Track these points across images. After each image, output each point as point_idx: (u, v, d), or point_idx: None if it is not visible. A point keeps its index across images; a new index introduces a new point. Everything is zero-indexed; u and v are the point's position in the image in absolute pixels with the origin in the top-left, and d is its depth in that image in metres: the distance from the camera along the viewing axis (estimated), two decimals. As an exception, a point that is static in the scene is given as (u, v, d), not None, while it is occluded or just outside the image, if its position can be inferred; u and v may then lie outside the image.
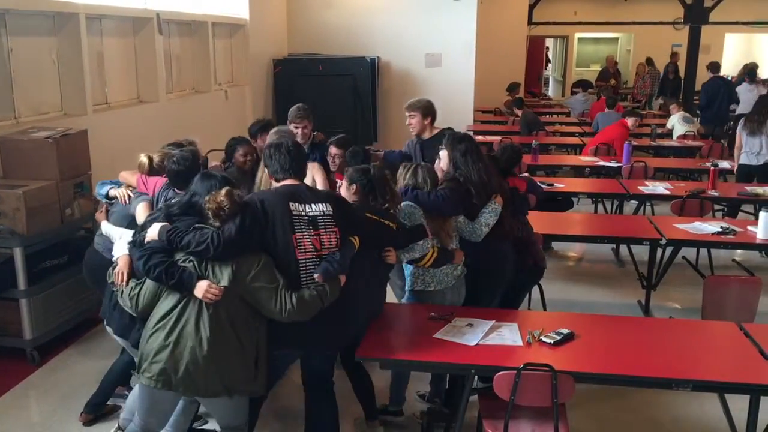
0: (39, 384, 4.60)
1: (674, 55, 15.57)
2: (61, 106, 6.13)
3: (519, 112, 11.01)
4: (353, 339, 3.46)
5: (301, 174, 3.36)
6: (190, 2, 8.54)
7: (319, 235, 3.16)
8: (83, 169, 5.20)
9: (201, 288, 2.96)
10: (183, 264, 3.03)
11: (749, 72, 12.01)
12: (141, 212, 3.74)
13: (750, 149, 7.53)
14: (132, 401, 3.62)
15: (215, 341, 2.97)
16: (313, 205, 3.18)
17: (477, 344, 3.36)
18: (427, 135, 5.25)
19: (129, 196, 4.00)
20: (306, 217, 3.15)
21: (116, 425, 3.86)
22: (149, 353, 3.04)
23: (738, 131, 7.71)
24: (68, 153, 5.00)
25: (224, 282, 2.99)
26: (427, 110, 5.20)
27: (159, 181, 3.92)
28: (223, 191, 3.07)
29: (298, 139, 5.15)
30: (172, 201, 3.44)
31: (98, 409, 4.05)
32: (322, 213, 3.19)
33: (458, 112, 11.19)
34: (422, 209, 3.79)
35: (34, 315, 4.74)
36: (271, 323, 3.13)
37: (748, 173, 7.64)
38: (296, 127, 5.15)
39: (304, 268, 3.12)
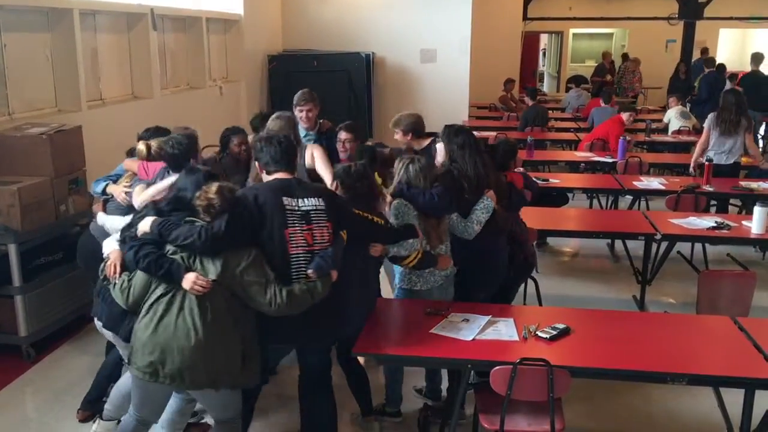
0: (34, 381, 4.59)
1: (705, 51, 15.39)
2: (55, 102, 6.10)
3: (530, 103, 10.99)
4: (348, 334, 3.46)
5: (291, 167, 3.34)
6: (185, -2, 8.52)
7: (312, 230, 3.15)
8: (78, 165, 5.19)
9: (189, 280, 2.97)
10: (172, 256, 3.04)
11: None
12: (137, 194, 3.78)
13: (719, 149, 7.14)
14: (116, 393, 3.66)
15: (202, 334, 2.97)
16: (305, 200, 3.18)
17: (473, 339, 3.37)
18: (416, 147, 5.21)
19: (126, 192, 4.02)
20: (299, 212, 3.15)
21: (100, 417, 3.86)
22: (138, 345, 3.06)
23: (707, 129, 7.21)
24: (62, 149, 4.98)
25: (212, 275, 3.00)
26: (408, 127, 5.11)
27: (158, 166, 3.99)
28: (214, 188, 3.08)
29: (302, 123, 5.19)
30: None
31: (95, 405, 4.03)
32: (314, 207, 3.18)
33: (453, 107, 11.19)
34: (416, 208, 3.78)
35: (29, 312, 4.72)
36: (262, 318, 3.13)
37: (721, 172, 7.18)
38: (300, 110, 5.18)
39: (295, 262, 3.12)
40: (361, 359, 3.86)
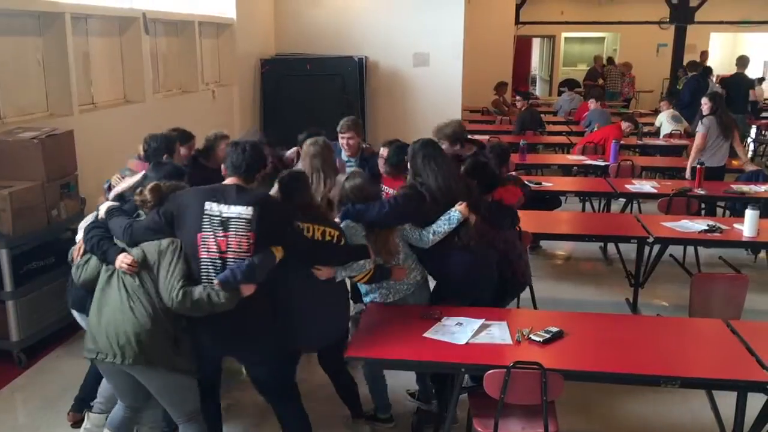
0: (26, 386, 4.57)
1: (703, 54, 15.28)
2: (46, 107, 6.08)
3: (521, 105, 10.96)
4: (316, 348, 3.61)
5: (247, 175, 3.34)
6: (177, 2, 8.50)
7: (227, 237, 3.15)
8: (69, 170, 5.17)
9: (118, 259, 3.16)
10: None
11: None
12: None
13: (717, 151, 7.27)
14: (104, 386, 3.75)
15: (134, 313, 3.09)
16: (231, 207, 3.18)
17: (466, 343, 3.37)
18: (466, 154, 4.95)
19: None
20: (219, 218, 3.17)
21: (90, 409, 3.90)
22: (87, 327, 3.26)
23: (705, 132, 7.23)
24: (54, 153, 4.96)
25: (135, 255, 3.15)
26: (453, 136, 4.84)
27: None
28: (149, 187, 3.29)
29: (344, 150, 5.17)
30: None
31: (84, 405, 4.03)
32: (238, 216, 3.17)
33: (446, 111, 11.15)
34: (364, 224, 3.73)
35: (20, 317, 4.71)
36: (192, 323, 3.19)
37: (714, 175, 7.29)
38: (342, 138, 5.18)
39: (204, 267, 3.16)
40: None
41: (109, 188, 4.22)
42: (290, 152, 5.30)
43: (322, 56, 10.87)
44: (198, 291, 3.08)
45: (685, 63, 14.24)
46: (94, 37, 6.79)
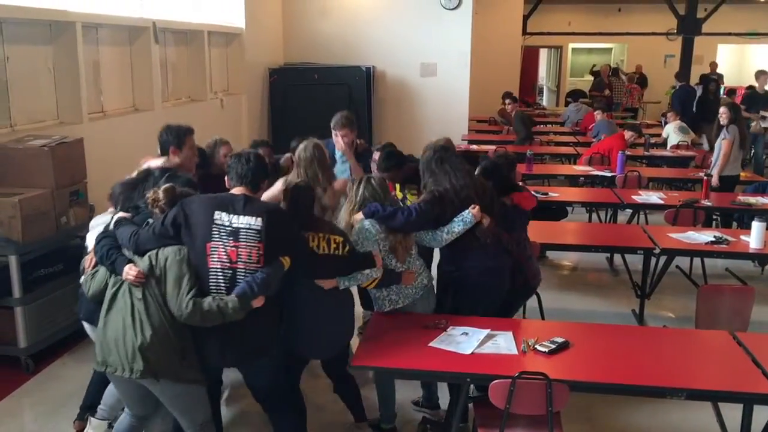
0: (33, 392, 4.59)
1: (713, 65, 15.24)
2: (56, 115, 6.13)
3: (511, 108, 10.89)
4: (322, 356, 3.61)
5: (253, 185, 3.36)
6: (186, 11, 8.57)
7: (238, 248, 3.16)
8: (79, 178, 5.20)
9: (125, 271, 3.13)
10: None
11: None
12: None
13: (736, 160, 7.44)
14: (109, 393, 3.77)
15: (140, 325, 3.07)
16: (241, 218, 3.18)
17: (472, 353, 3.37)
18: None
19: None
20: (229, 228, 3.16)
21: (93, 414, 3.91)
22: (96, 338, 3.24)
23: (732, 140, 7.37)
24: (64, 161, 5.00)
25: (142, 267, 3.13)
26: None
27: None
28: (164, 187, 3.28)
29: (338, 147, 5.16)
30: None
31: (89, 413, 4.04)
32: (248, 226, 3.18)
33: (453, 121, 11.23)
34: (385, 227, 3.76)
35: (28, 323, 4.73)
36: (197, 334, 3.18)
37: (734, 182, 7.58)
38: (335, 135, 5.15)
39: (214, 277, 3.15)
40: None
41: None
42: (284, 159, 5.25)
43: (330, 66, 10.93)
44: (208, 302, 3.08)
45: (696, 74, 14.27)
46: (104, 46, 6.85)
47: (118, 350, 3.08)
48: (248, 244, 3.16)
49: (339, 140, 5.16)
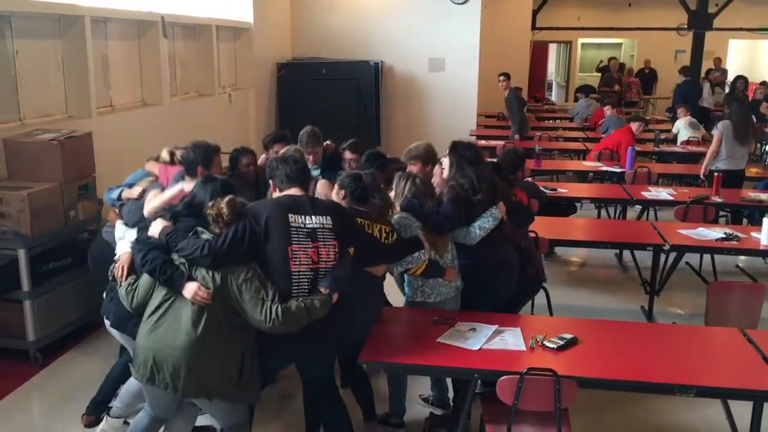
0: (42, 386, 4.61)
1: (716, 61, 15.17)
2: (65, 109, 6.14)
3: (505, 85, 10.73)
4: (351, 346, 3.47)
5: (305, 184, 3.37)
6: (195, 6, 8.56)
7: (317, 248, 3.15)
8: (87, 171, 5.22)
9: (190, 289, 3.00)
10: (177, 264, 3.08)
11: None
12: (150, 198, 3.81)
13: (734, 155, 7.28)
14: (125, 392, 3.74)
15: (197, 343, 3.00)
16: (313, 217, 3.17)
17: (480, 349, 3.36)
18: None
19: (143, 190, 4.06)
20: (305, 229, 3.14)
21: (108, 412, 3.91)
22: (138, 350, 3.13)
23: (719, 135, 7.27)
24: (72, 155, 5.01)
25: (212, 286, 3.01)
26: (428, 158, 4.52)
27: (175, 170, 4.10)
28: (226, 200, 3.11)
29: (309, 163, 5.07)
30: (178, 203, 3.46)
31: (99, 409, 4.05)
32: (321, 226, 3.17)
33: (461, 116, 11.21)
34: (424, 225, 3.81)
35: (37, 316, 4.75)
36: (263, 334, 3.12)
37: (734, 178, 7.40)
38: (306, 153, 5.09)
39: (296, 280, 3.11)
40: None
41: (119, 199, 4.21)
42: (261, 159, 5.14)
43: (338, 61, 10.91)
44: (294, 305, 3.03)
45: (704, 69, 14.17)
46: (113, 41, 6.86)
47: (171, 369, 3.00)
48: (326, 243, 3.16)
49: (310, 158, 5.09)
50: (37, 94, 5.80)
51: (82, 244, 5.06)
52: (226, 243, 3.01)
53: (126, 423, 3.80)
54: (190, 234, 3.09)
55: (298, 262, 3.11)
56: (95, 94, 6.23)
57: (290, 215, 3.14)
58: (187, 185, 3.65)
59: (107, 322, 3.66)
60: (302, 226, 3.14)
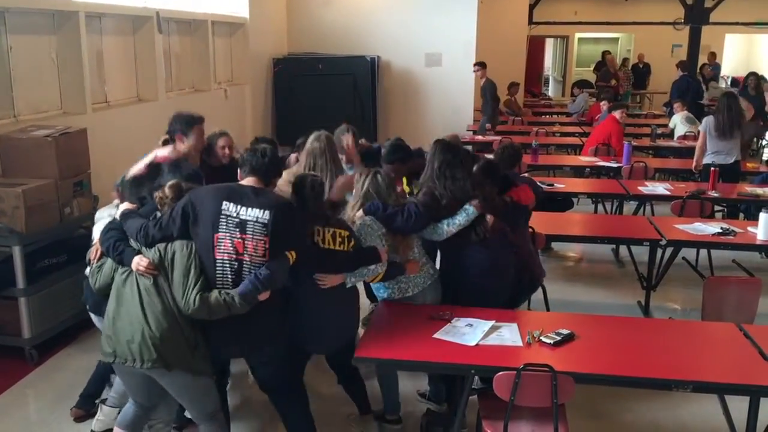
0: (37, 383, 4.59)
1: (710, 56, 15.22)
2: (60, 105, 6.12)
3: (481, 74, 10.62)
4: (331, 348, 3.60)
5: (266, 177, 3.33)
6: (190, 1, 8.53)
7: (244, 240, 3.13)
8: (83, 168, 5.19)
9: (134, 261, 3.13)
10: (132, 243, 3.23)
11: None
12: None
13: (718, 150, 7.29)
14: (118, 382, 3.77)
15: (150, 316, 3.07)
16: (249, 210, 3.16)
17: (477, 344, 3.36)
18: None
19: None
20: (236, 219, 3.14)
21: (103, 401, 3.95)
22: (103, 329, 3.25)
23: (704, 132, 7.37)
24: (67, 151, 4.99)
25: (151, 257, 3.13)
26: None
27: None
28: (169, 183, 3.31)
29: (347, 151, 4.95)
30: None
31: (88, 402, 4.06)
32: (255, 219, 3.15)
33: (458, 111, 11.20)
34: (388, 228, 3.74)
35: (32, 314, 4.73)
36: (211, 327, 3.18)
37: (724, 172, 7.31)
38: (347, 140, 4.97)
39: (220, 268, 3.13)
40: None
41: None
42: (292, 158, 5.13)
43: (335, 56, 10.88)
44: (215, 296, 3.07)
45: (700, 64, 14.16)
46: (107, 36, 6.83)
47: (128, 341, 3.08)
48: (255, 237, 3.14)
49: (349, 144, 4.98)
50: (31, 90, 5.77)
51: (78, 241, 5.03)
52: (160, 223, 3.16)
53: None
54: (150, 218, 3.24)
55: (222, 250, 3.13)
56: (90, 90, 6.20)
57: (225, 203, 3.16)
58: (161, 151, 3.91)
59: (88, 308, 3.74)
60: (234, 215, 3.14)
